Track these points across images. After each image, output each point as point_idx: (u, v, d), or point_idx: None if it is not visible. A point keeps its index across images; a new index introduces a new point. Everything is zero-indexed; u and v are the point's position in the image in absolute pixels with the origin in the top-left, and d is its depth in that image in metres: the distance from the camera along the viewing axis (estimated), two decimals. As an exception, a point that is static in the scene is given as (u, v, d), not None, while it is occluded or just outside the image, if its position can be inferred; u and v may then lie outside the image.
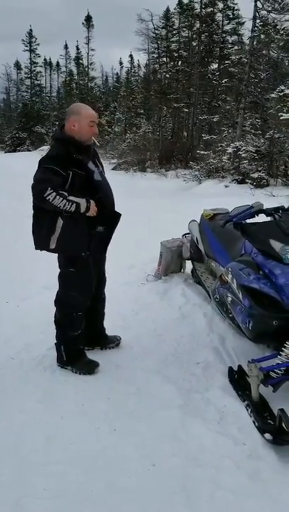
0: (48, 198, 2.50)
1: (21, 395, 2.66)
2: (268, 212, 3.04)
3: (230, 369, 2.86)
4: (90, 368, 2.90)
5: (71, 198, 2.55)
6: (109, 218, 2.81)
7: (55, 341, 2.97)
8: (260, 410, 2.44)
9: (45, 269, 4.09)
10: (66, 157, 2.60)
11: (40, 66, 51.20)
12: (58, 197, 2.51)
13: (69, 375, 2.88)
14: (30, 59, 48.72)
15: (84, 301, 2.87)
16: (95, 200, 2.67)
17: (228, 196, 10.15)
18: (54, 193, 2.50)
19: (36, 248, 2.79)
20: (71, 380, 2.83)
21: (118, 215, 2.86)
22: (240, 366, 2.82)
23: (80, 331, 2.92)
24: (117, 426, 2.38)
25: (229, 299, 2.94)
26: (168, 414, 2.46)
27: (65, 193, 2.54)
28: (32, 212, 2.73)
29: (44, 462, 2.14)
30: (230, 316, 2.99)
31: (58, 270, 2.90)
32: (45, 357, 3.07)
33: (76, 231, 2.65)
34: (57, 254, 2.85)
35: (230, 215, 3.16)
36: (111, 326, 3.29)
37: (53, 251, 2.72)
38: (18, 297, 4.13)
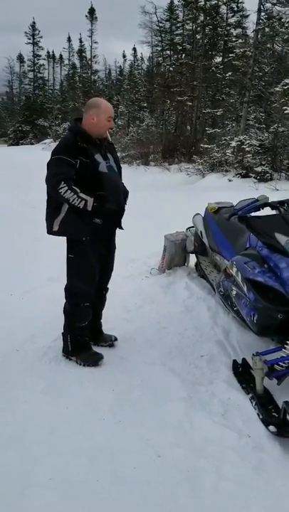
0: (60, 191, 2.61)
1: (26, 386, 2.67)
2: (273, 205, 3.03)
3: (235, 362, 2.86)
4: (94, 359, 2.91)
5: (82, 195, 2.63)
6: (109, 213, 2.78)
7: (62, 331, 2.99)
8: (264, 403, 2.45)
9: (50, 261, 4.12)
10: (73, 145, 2.69)
11: (44, 59, 51.16)
12: (69, 191, 2.61)
13: (74, 366, 2.89)
14: (34, 52, 48.67)
15: (86, 289, 2.86)
16: (98, 195, 2.67)
17: (232, 190, 10.12)
18: (66, 187, 2.61)
19: (47, 233, 2.86)
20: (76, 371, 2.84)
21: (121, 212, 2.87)
22: (244, 359, 2.83)
23: (87, 323, 2.93)
24: (122, 417, 2.39)
25: (234, 292, 2.94)
26: (172, 406, 2.47)
27: (78, 189, 2.63)
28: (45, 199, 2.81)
29: (49, 453, 2.15)
30: (235, 309, 2.99)
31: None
32: (50, 348, 3.08)
33: (79, 216, 2.71)
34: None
35: (236, 209, 3.15)
36: (114, 318, 3.30)
37: (56, 233, 2.79)
38: (23, 289, 4.14)
